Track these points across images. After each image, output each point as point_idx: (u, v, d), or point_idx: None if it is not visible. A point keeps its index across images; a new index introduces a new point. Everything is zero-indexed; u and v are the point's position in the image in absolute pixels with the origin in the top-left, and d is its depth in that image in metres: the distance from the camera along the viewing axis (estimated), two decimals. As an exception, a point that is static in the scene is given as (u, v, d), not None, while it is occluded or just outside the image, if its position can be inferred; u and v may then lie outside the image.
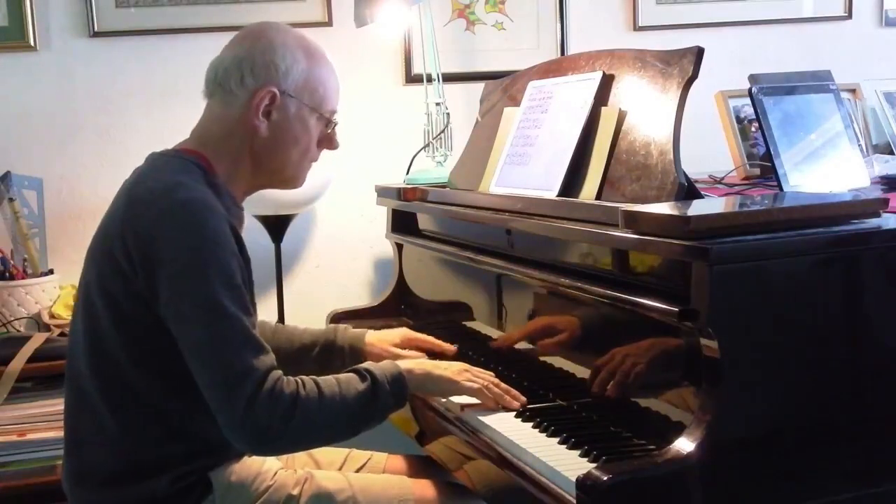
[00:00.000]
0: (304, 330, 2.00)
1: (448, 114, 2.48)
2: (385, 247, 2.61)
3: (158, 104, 2.63)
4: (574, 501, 1.28)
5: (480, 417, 1.63)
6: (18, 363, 2.22)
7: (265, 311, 2.06)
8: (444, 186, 2.25)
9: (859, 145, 2.05)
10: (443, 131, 2.47)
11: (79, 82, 2.68)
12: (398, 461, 1.93)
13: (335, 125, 1.73)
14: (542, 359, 1.76)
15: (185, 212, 1.50)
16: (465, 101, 2.68)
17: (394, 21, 2.52)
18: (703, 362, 1.30)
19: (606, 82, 1.77)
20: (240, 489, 1.61)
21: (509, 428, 1.57)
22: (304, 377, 1.54)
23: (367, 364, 1.64)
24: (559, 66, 1.99)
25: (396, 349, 1.94)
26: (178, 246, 1.49)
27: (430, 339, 1.97)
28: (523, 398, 1.67)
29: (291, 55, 1.65)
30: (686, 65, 1.61)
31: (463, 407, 1.69)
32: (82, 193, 2.65)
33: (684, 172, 1.54)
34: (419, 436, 1.90)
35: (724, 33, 2.98)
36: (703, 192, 1.59)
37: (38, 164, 2.64)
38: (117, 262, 1.52)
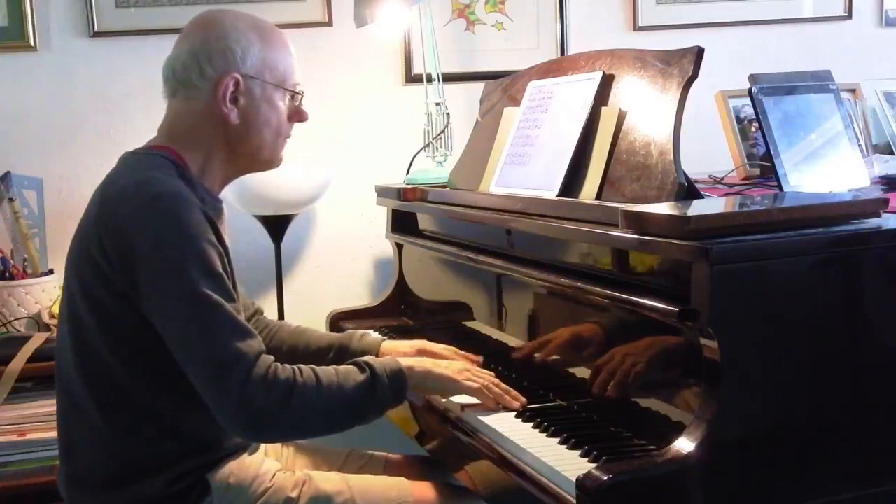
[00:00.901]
0: (323, 334, 1.99)
1: (448, 114, 2.48)
2: (385, 247, 2.61)
3: (158, 104, 2.61)
4: (574, 501, 1.28)
5: (480, 417, 1.63)
6: (18, 363, 2.22)
7: (265, 312, 2.06)
8: (444, 186, 2.25)
9: (859, 145, 2.05)
10: (443, 131, 2.47)
11: (79, 82, 2.68)
12: (398, 461, 1.93)
13: (301, 97, 1.73)
14: (542, 359, 1.76)
15: (158, 205, 1.50)
16: (465, 101, 2.68)
17: (394, 21, 2.52)
18: (704, 362, 1.30)
19: (606, 82, 1.77)
20: (238, 491, 1.61)
21: (509, 428, 1.57)
22: (301, 365, 1.53)
23: (367, 358, 1.63)
24: (559, 66, 1.99)
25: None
26: (154, 240, 1.48)
27: (449, 349, 1.88)
28: (523, 399, 1.66)
29: (245, 37, 1.64)
30: (686, 65, 1.61)
31: (463, 407, 1.69)
32: (82, 193, 2.65)
33: (684, 172, 1.54)
34: (419, 436, 1.90)
35: (724, 33, 2.99)
36: (703, 192, 1.58)
37: (38, 164, 2.64)
38: (96, 263, 1.52)
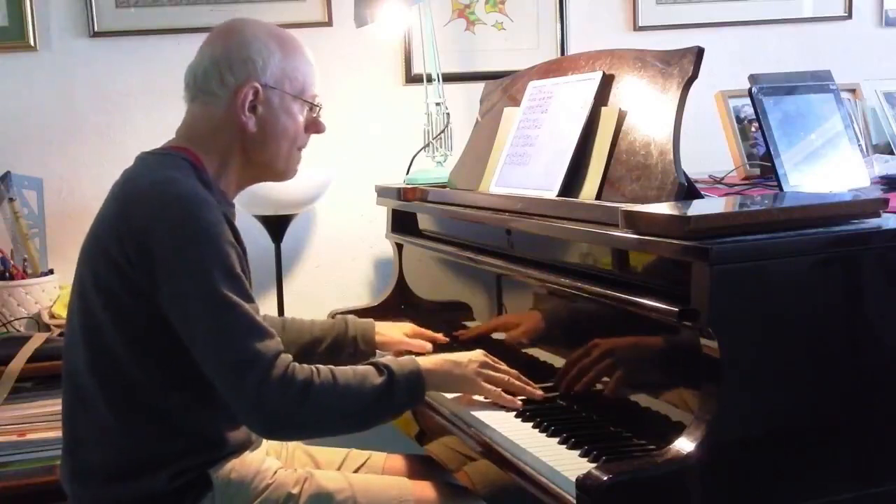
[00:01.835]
0: (314, 322, 2.03)
1: (448, 114, 2.48)
2: (385, 247, 2.61)
3: (158, 104, 2.63)
4: (574, 501, 1.28)
5: (481, 418, 1.63)
6: (18, 363, 2.22)
7: (265, 311, 2.07)
8: (444, 186, 2.25)
9: (859, 145, 2.04)
10: (443, 131, 2.47)
11: (79, 82, 2.68)
12: (398, 461, 1.93)
13: (319, 109, 1.75)
14: (542, 359, 1.76)
15: (179, 205, 1.51)
16: (465, 101, 2.68)
17: (394, 21, 2.52)
18: (704, 362, 1.30)
19: (606, 82, 1.77)
20: (239, 487, 1.61)
21: (509, 428, 1.57)
22: (320, 365, 1.55)
23: (387, 359, 1.65)
24: (559, 66, 1.99)
25: (405, 338, 2.00)
26: (174, 240, 1.49)
27: (433, 335, 2.04)
28: (540, 392, 1.68)
29: (266, 47, 1.66)
30: (686, 65, 1.61)
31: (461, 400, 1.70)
32: (82, 193, 2.65)
33: (684, 172, 1.54)
34: (419, 436, 1.90)
35: (724, 33, 2.99)
36: (703, 192, 1.59)
37: (38, 164, 2.64)
38: (114, 260, 1.53)
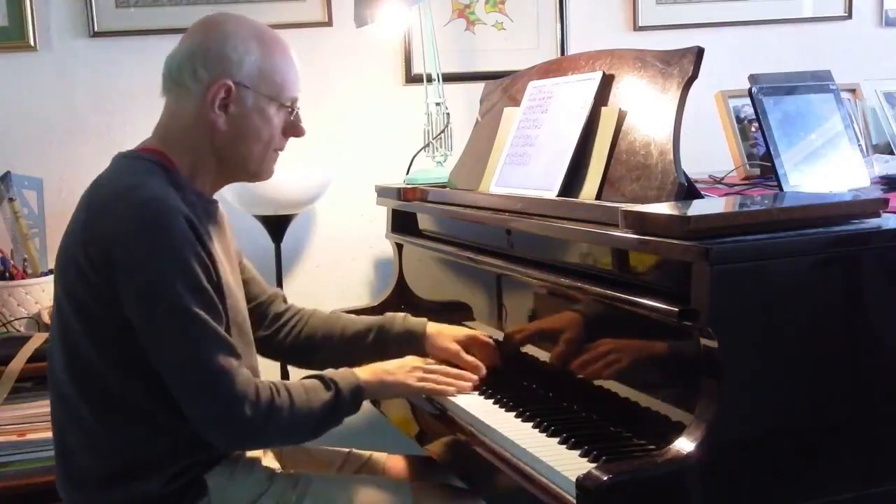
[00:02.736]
0: (360, 318, 1.97)
1: (448, 114, 2.48)
2: (385, 247, 2.61)
3: (158, 104, 2.61)
4: (574, 501, 1.28)
5: (481, 418, 1.63)
6: (18, 363, 2.22)
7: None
8: (444, 186, 2.25)
9: (859, 145, 2.04)
10: (443, 131, 2.47)
11: (79, 82, 2.68)
12: (398, 461, 1.93)
13: (297, 112, 1.70)
14: (542, 359, 1.76)
15: (143, 214, 1.49)
16: (465, 101, 2.68)
17: (394, 21, 2.52)
18: (704, 362, 1.30)
19: (606, 82, 1.77)
20: (235, 491, 1.60)
21: (509, 428, 1.57)
22: (274, 381, 1.57)
23: (329, 372, 1.66)
24: (559, 66, 1.99)
25: (457, 347, 1.87)
26: (139, 252, 1.48)
27: (491, 343, 1.90)
28: (475, 377, 1.77)
29: (244, 45, 1.62)
30: (686, 65, 1.61)
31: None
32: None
33: (684, 172, 1.54)
34: (419, 436, 1.90)
35: (724, 33, 2.99)
36: (703, 192, 1.58)
37: (38, 164, 2.64)
38: (81, 268, 1.51)
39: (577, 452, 1.43)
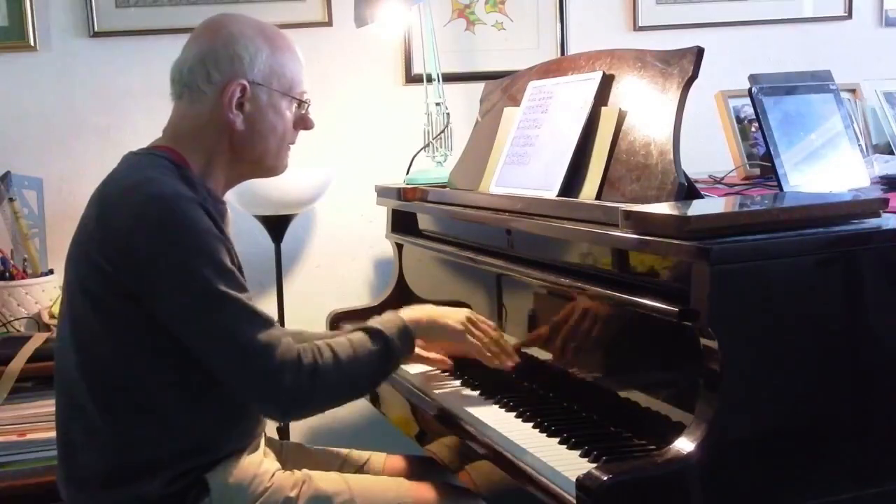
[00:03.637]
0: (315, 334, 1.96)
1: (448, 114, 2.48)
2: (385, 247, 2.61)
3: (158, 104, 2.60)
4: (574, 501, 1.28)
5: (481, 417, 1.63)
6: (18, 363, 2.22)
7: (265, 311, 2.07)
8: (444, 186, 2.25)
9: (859, 145, 2.04)
10: (443, 131, 2.47)
11: (79, 82, 2.68)
12: (398, 461, 1.93)
13: (308, 105, 1.73)
14: (542, 359, 1.76)
15: (158, 206, 1.50)
16: (465, 101, 2.68)
17: (394, 21, 2.52)
18: (704, 362, 1.30)
19: (606, 82, 1.77)
20: (237, 491, 1.60)
21: (509, 428, 1.57)
22: (318, 343, 1.57)
23: (373, 321, 1.68)
24: (559, 66, 1.99)
25: (442, 356, 1.87)
26: (158, 242, 1.49)
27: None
28: (516, 359, 1.75)
29: (253, 44, 1.64)
30: (686, 65, 1.61)
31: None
32: (82, 193, 2.60)
33: (684, 172, 1.54)
34: (419, 436, 1.90)
35: (724, 33, 2.98)
36: (703, 192, 1.59)
37: (38, 164, 2.64)
38: (97, 264, 1.52)
39: (577, 452, 1.43)
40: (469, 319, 1.77)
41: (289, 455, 1.86)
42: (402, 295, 2.42)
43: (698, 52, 1.60)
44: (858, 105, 2.59)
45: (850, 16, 3.08)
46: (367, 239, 2.81)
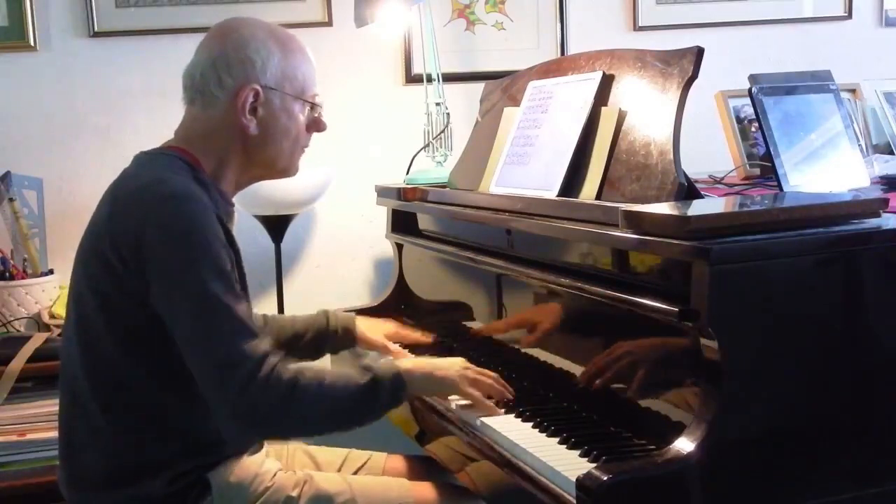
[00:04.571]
0: (295, 317, 2.02)
1: (448, 114, 2.48)
2: (385, 247, 2.61)
3: (158, 104, 2.63)
4: (574, 501, 1.28)
5: (481, 417, 1.63)
6: (18, 363, 2.22)
7: (266, 312, 2.07)
8: (444, 186, 2.25)
9: (859, 145, 2.04)
10: (443, 131, 2.47)
11: (79, 82, 2.68)
12: (398, 461, 1.93)
13: (320, 108, 1.73)
14: (542, 359, 1.76)
15: (170, 205, 1.50)
16: (465, 101, 2.68)
17: (394, 21, 2.52)
18: (703, 362, 1.30)
19: (606, 82, 1.77)
20: (238, 490, 1.61)
21: (509, 428, 1.57)
22: (305, 366, 1.54)
23: (367, 361, 1.65)
24: (559, 66, 1.99)
25: (385, 340, 2.02)
26: (164, 239, 1.49)
27: (415, 334, 2.09)
28: (510, 394, 1.69)
29: (265, 48, 1.64)
30: (686, 65, 1.61)
31: (456, 405, 1.69)
32: (82, 193, 2.65)
33: (684, 172, 1.54)
34: (419, 436, 1.90)
35: (724, 33, 2.98)
36: (703, 192, 1.59)
37: (38, 164, 2.64)
38: (108, 261, 1.52)
39: (577, 452, 1.43)
40: (466, 368, 1.69)
41: (290, 455, 1.86)
42: (402, 295, 2.42)
43: (698, 52, 1.60)
44: (858, 105, 2.59)
45: (850, 16, 3.08)
46: (367, 239, 2.81)
